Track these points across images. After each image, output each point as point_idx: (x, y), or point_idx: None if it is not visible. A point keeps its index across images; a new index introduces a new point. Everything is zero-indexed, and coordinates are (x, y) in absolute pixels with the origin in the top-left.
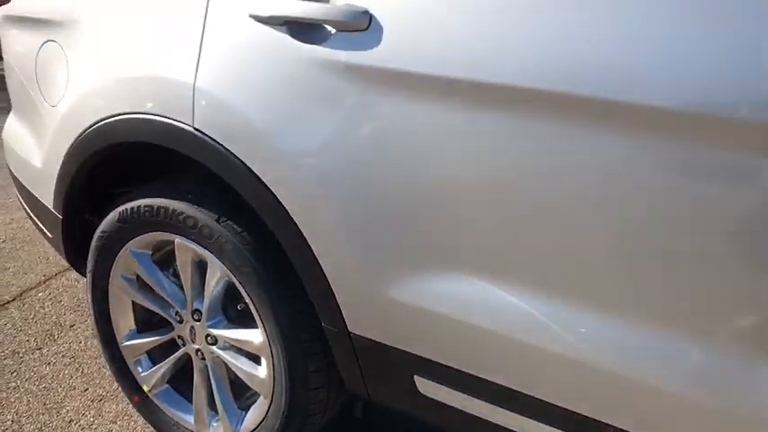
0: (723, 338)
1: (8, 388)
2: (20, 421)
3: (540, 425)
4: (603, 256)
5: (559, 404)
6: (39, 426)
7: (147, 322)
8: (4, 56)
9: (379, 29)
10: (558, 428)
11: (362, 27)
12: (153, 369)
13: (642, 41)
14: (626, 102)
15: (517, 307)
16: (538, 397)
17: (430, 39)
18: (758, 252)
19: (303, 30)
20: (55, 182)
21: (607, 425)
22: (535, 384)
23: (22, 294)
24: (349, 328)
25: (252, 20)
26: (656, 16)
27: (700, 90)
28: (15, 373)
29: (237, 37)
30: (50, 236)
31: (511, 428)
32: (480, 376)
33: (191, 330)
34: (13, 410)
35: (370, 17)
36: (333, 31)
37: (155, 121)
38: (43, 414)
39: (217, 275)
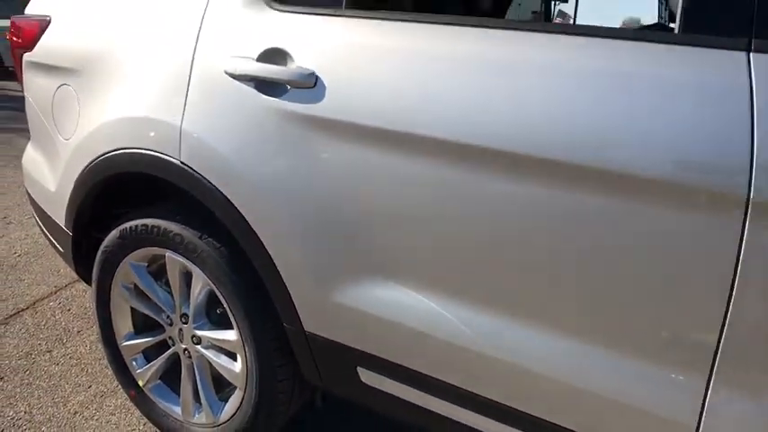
0: (600, 338)
1: (22, 384)
2: (31, 412)
3: (459, 408)
4: (502, 270)
5: (473, 390)
6: (48, 417)
7: (142, 325)
8: (26, 94)
9: (323, 87)
10: (472, 411)
11: (310, 85)
12: (147, 366)
13: (534, 108)
14: (508, 150)
15: (438, 310)
16: (455, 384)
17: (359, 96)
18: (620, 271)
19: (266, 86)
20: (66, 204)
21: (509, 407)
22: (452, 373)
23: (35, 303)
24: (304, 328)
25: (227, 76)
26: (545, 91)
27: (563, 143)
28: (28, 372)
29: (215, 89)
30: (62, 250)
31: (437, 411)
32: (410, 367)
33: (179, 332)
34: (25, 403)
35: (317, 77)
36: (288, 87)
37: (149, 155)
38: (51, 407)
39: (200, 284)
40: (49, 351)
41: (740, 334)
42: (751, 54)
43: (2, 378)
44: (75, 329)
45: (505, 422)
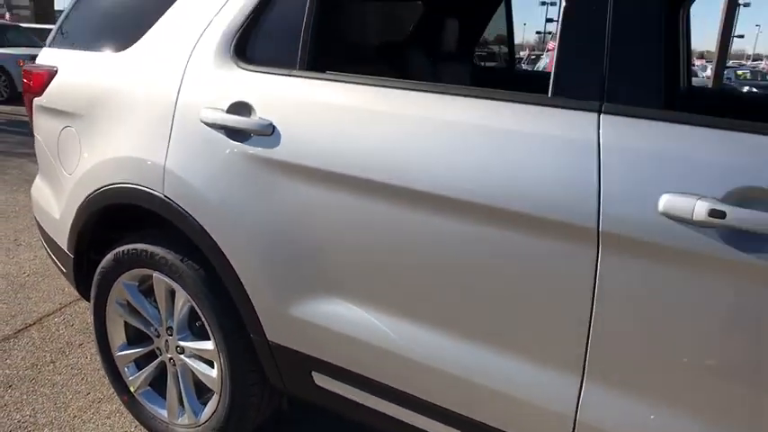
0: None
1: (28, 391)
2: (35, 416)
3: (394, 406)
4: (423, 288)
5: (401, 389)
6: (50, 420)
7: (134, 337)
8: (36, 134)
9: (279, 134)
10: (409, 410)
11: (268, 133)
12: (138, 374)
13: (435, 155)
14: (426, 192)
15: (373, 322)
16: (390, 384)
17: (307, 143)
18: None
19: (233, 133)
20: (68, 230)
21: (436, 405)
22: (387, 375)
23: (41, 319)
24: (268, 338)
25: (202, 124)
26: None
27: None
28: (33, 381)
29: (193, 135)
30: (64, 270)
31: (380, 410)
32: (354, 371)
33: (165, 343)
34: (31, 408)
35: (274, 127)
36: (251, 134)
37: (138, 189)
38: (54, 411)
39: (182, 300)
40: (53, 362)
41: (603, 340)
42: (601, 115)
43: (10, 386)
44: (77, 343)
45: (428, 416)
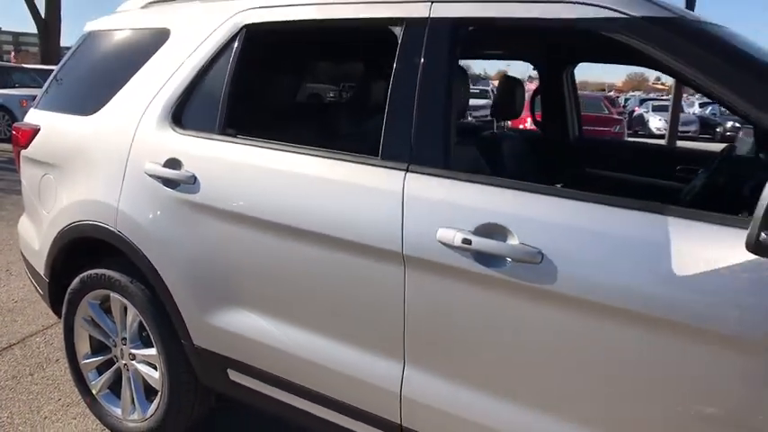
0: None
1: (7, 398)
2: (12, 418)
3: (293, 396)
4: (307, 302)
5: (292, 380)
6: (24, 420)
7: (96, 347)
8: (22, 179)
9: (199, 183)
10: (311, 402)
11: (192, 182)
12: (99, 378)
13: (304, 201)
14: (297, 227)
15: (271, 329)
16: (297, 382)
17: (220, 190)
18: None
19: (167, 182)
20: (45, 258)
21: (311, 389)
22: (293, 374)
23: (24, 339)
24: (194, 342)
25: (146, 175)
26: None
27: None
28: (13, 390)
29: (138, 182)
30: (42, 293)
31: (289, 403)
32: (264, 369)
33: (121, 351)
34: (8, 411)
35: (195, 178)
36: (179, 183)
37: (97, 225)
38: (28, 414)
39: (132, 315)
40: (32, 374)
41: (415, 333)
42: (407, 173)
43: None
44: (54, 359)
45: (307, 399)
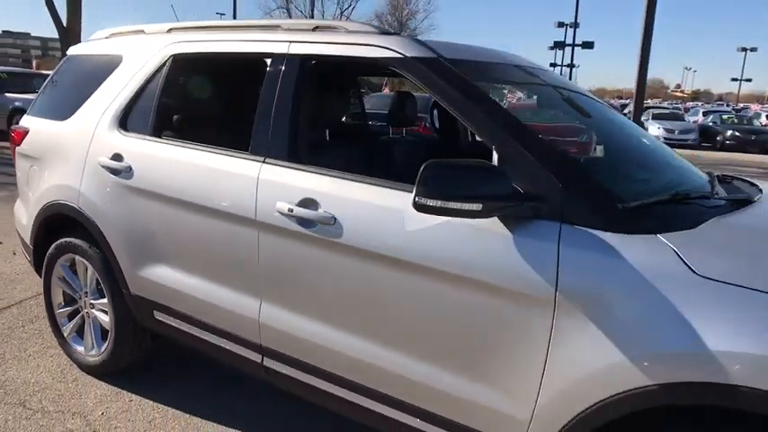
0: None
1: (2, 342)
2: (5, 355)
3: (201, 331)
4: (216, 260)
5: (208, 322)
6: (14, 356)
7: (67, 300)
8: (17, 171)
9: (134, 172)
10: (204, 330)
11: (129, 171)
12: (68, 324)
13: (214, 187)
14: (193, 202)
15: (187, 280)
16: (195, 317)
17: (148, 176)
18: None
19: (112, 171)
20: (30, 231)
21: (213, 325)
22: (199, 312)
23: (21, 302)
24: (131, 291)
25: (99, 165)
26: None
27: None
28: (8, 336)
29: (94, 171)
30: (29, 259)
31: (191, 333)
32: (175, 308)
33: (84, 302)
34: (2, 350)
35: (131, 167)
36: (121, 171)
37: (66, 203)
38: (17, 352)
39: (90, 273)
40: (23, 326)
41: (266, 275)
42: (263, 164)
43: None
44: (42, 316)
45: (210, 331)
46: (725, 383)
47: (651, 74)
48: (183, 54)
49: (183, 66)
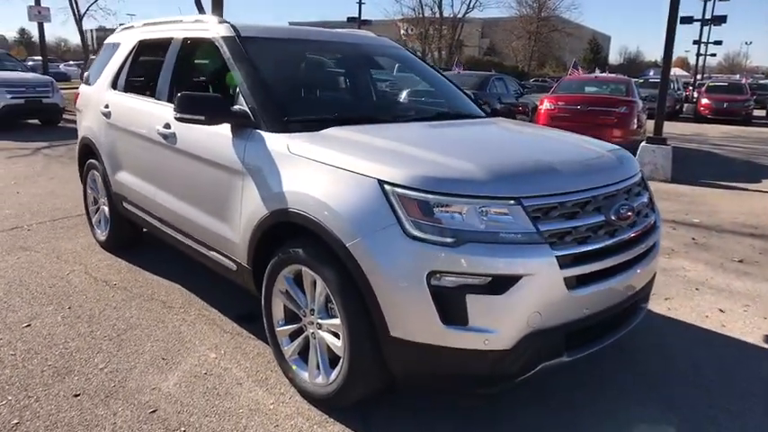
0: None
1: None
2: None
3: (151, 219)
4: (152, 170)
5: (154, 213)
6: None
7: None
8: (78, 119)
9: (111, 114)
10: (155, 221)
11: (109, 114)
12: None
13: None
14: (138, 132)
15: (139, 182)
16: (143, 207)
17: (120, 117)
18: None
19: (104, 115)
20: (77, 153)
21: (161, 217)
22: (142, 203)
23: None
24: (112, 190)
25: (99, 113)
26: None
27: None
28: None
29: (99, 116)
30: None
31: (145, 218)
32: (135, 202)
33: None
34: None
35: (110, 112)
36: (109, 115)
37: (88, 138)
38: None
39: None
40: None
41: (154, 168)
42: (166, 105)
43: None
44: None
45: (159, 222)
46: (286, 208)
47: (678, 47)
48: (144, 40)
49: (143, 47)
